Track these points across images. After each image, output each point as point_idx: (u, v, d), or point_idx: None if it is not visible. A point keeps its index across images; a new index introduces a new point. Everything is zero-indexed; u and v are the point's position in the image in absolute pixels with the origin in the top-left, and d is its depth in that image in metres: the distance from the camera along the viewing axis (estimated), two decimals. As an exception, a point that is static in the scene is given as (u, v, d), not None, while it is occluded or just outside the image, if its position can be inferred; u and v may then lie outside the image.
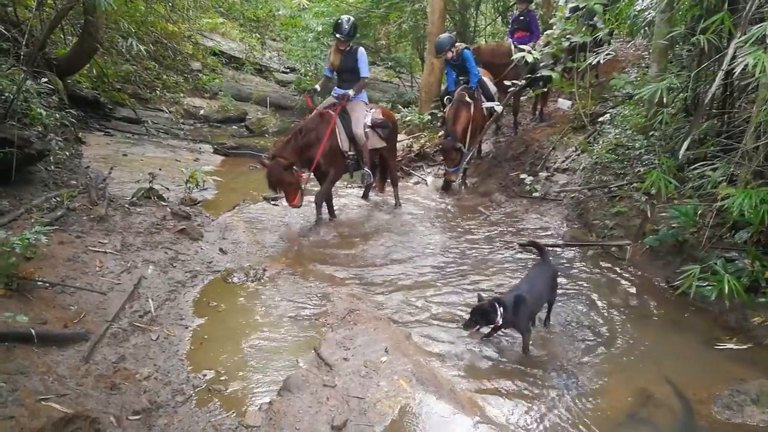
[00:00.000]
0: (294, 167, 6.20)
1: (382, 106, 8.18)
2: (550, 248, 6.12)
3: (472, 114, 7.82)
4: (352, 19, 6.78)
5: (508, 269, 5.68)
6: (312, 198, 6.76)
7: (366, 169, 7.03)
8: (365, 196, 7.92)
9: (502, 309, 3.91)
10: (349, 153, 6.82)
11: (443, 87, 9.59)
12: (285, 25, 15.86)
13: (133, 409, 3.15)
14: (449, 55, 7.84)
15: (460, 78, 8.08)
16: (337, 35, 6.65)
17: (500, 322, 3.94)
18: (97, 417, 2.86)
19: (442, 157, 8.53)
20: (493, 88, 8.29)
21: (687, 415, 3.51)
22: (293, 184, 6.23)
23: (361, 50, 6.85)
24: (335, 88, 7.06)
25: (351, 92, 6.71)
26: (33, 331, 3.39)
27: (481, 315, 3.93)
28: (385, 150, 7.33)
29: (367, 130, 6.87)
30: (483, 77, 8.14)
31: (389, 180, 7.78)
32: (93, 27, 8.72)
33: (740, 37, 4.08)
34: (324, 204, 6.78)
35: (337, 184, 7.43)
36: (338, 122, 6.70)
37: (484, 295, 4.21)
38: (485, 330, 4.12)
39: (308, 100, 7.10)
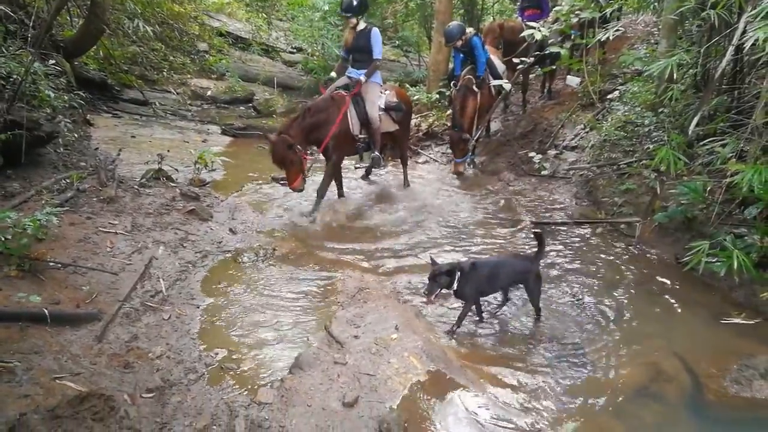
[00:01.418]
0: (298, 147, 6.10)
1: (397, 87, 8.08)
2: (560, 226, 6.14)
3: (479, 100, 7.76)
4: None
5: (514, 245, 5.69)
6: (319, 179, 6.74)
7: (376, 152, 6.96)
8: (366, 177, 7.91)
9: (459, 274, 3.90)
10: (360, 136, 6.77)
11: (451, 66, 9.51)
12: (291, 4, 15.73)
13: (146, 387, 3.19)
14: (458, 43, 7.74)
15: (467, 61, 7.97)
16: (342, 12, 6.62)
17: (456, 288, 3.94)
18: (111, 395, 2.90)
19: (449, 147, 8.47)
20: (501, 67, 8.22)
21: (696, 389, 3.54)
22: (295, 162, 6.12)
23: (375, 30, 6.73)
24: (349, 67, 6.97)
25: (363, 78, 6.65)
26: (46, 311, 3.44)
27: (440, 279, 3.90)
28: (398, 131, 7.27)
29: (380, 113, 6.81)
30: (491, 56, 8.06)
31: (399, 159, 7.75)
32: (99, 8, 8.72)
33: (751, 11, 4.03)
34: (328, 188, 6.69)
35: (347, 163, 7.41)
36: (351, 106, 6.63)
37: (438, 260, 4.09)
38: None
39: (322, 90, 6.86)
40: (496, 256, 4.46)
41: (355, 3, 6.50)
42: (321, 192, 6.52)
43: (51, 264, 4.06)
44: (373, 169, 7.82)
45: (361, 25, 6.70)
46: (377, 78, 6.93)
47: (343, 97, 6.59)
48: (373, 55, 6.70)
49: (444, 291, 4.03)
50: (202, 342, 3.85)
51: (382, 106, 6.85)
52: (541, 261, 4.40)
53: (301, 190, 6.38)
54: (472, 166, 8.47)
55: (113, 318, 3.79)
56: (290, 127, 6.19)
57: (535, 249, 4.22)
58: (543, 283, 4.35)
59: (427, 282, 3.97)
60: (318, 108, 6.39)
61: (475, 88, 7.69)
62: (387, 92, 7.05)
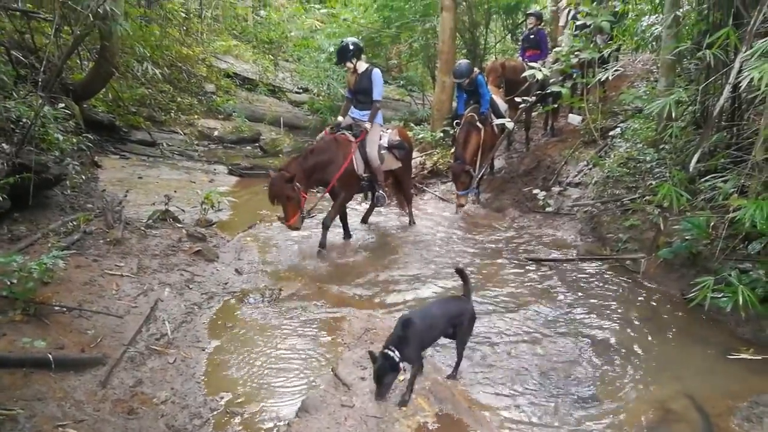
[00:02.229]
0: (297, 184, 6.09)
1: (399, 127, 8.22)
2: (565, 262, 6.13)
3: (482, 137, 7.87)
4: (348, 41, 6.76)
5: (521, 283, 5.68)
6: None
7: (380, 191, 7.01)
8: (365, 221, 7.80)
9: (397, 351, 3.41)
10: (364, 175, 6.83)
11: (454, 104, 9.65)
12: (297, 46, 16.04)
13: (150, 433, 3.18)
14: (465, 81, 7.88)
15: (471, 101, 8.13)
16: (339, 64, 6.94)
17: (399, 361, 3.40)
18: (114, 442, 2.89)
19: (452, 181, 8.54)
20: (503, 106, 8.36)
21: (707, 428, 3.47)
22: (293, 198, 6.09)
23: (376, 72, 6.78)
24: (352, 108, 7.02)
25: (368, 125, 6.73)
26: (50, 356, 3.44)
27: (388, 378, 3.41)
28: (400, 170, 7.37)
29: (383, 151, 6.90)
30: (493, 96, 8.19)
31: (403, 197, 7.80)
32: (109, 52, 8.92)
33: (746, 51, 4.10)
34: (334, 224, 6.74)
35: (353, 203, 7.46)
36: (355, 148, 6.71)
37: (375, 353, 3.48)
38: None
39: (326, 133, 6.90)
40: (429, 303, 4.09)
41: (350, 51, 6.63)
42: (327, 222, 6.56)
43: (56, 308, 4.08)
44: (375, 208, 7.77)
45: (362, 67, 6.77)
46: (379, 119, 7.01)
47: (349, 142, 6.66)
48: (374, 97, 6.76)
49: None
50: (208, 386, 3.83)
51: (385, 145, 6.93)
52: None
53: (298, 229, 6.34)
54: (477, 203, 8.51)
55: (118, 362, 3.78)
56: (290, 164, 6.27)
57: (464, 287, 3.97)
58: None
59: (376, 385, 3.46)
60: (321, 149, 6.49)
61: (478, 124, 7.78)
62: (389, 131, 7.16)
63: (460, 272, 4.06)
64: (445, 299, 4.18)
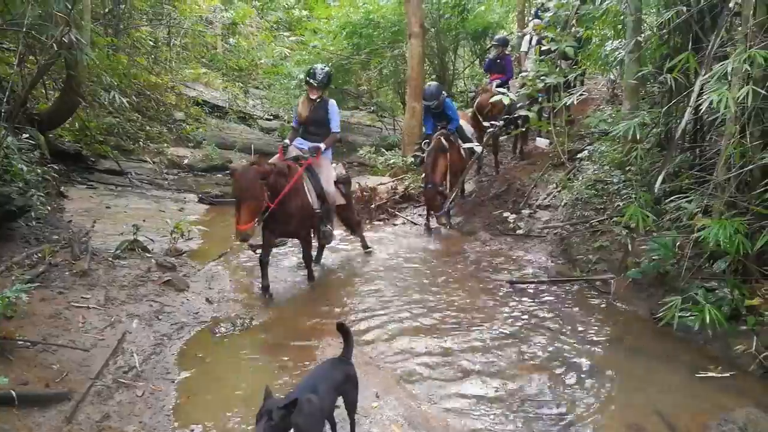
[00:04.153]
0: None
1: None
2: (536, 284, 6.18)
3: (450, 158, 7.98)
4: (327, 68, 6.57)
5: (492, 306, 5.70)
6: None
7: (327, 226, 6.45)
8: (317, 260, 7.06)
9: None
10: (317, 210, 6.26)
11: (423, 129, 9.76)
12: (267, 73, 16.11)
13: (117, 469, 3.09)
14: (434, 103, 8.02)
15: (438, 124, 8.26)
16: (310, 80, 6.28)
17: None
18: (80, 479, 2.80)
19: (425, 205, 8.59)
20: (469, 130, 8.50)
21: (679, 448, 3.51)
22: (258, 200, 5.42)
23: (333, 102, 6.51)
24: (299, 140, 6.55)
25: (322, 146, 6.29)
26: (13, 392, 3.34)
27: None
28: (347, 203, 7.05)
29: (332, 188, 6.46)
30: (461, 121, 8.35)
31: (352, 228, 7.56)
32: (75, 81, 8.80)
33: (705, 74, 4.23)
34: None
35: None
36: (306, 179, 6.19)
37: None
38: None
39: (280, 152, 6.37)
40: (306, 377, 3.35)
41: (324, 77, 6.39)
42: (308, 259, 6.41)
43: (20, 342, 3.96)
44: (326, 245, 7.09)
45: (315, 95, 6.39)
46: (329, 153, 6.63)
47: (297, 169, 6.10)
48: (332, 129, 6.46)
49: None
50: (177, 418, 3.74)
51: (335, 180, 6.60)
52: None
53: (248, 238, 5.53)
54: (448, 227, 8.56)
55: (84, 397, 3.67)
56: (262, 163, 5.73)
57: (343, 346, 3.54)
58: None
59: None
60: (281, 171, 5.86)
61: (445, 144, 7.92)
62: (335, 165, 6.88)
63: (342, 328, 3.62)
64: (326, 368, 3.45)
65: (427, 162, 8.00)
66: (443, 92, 8.17)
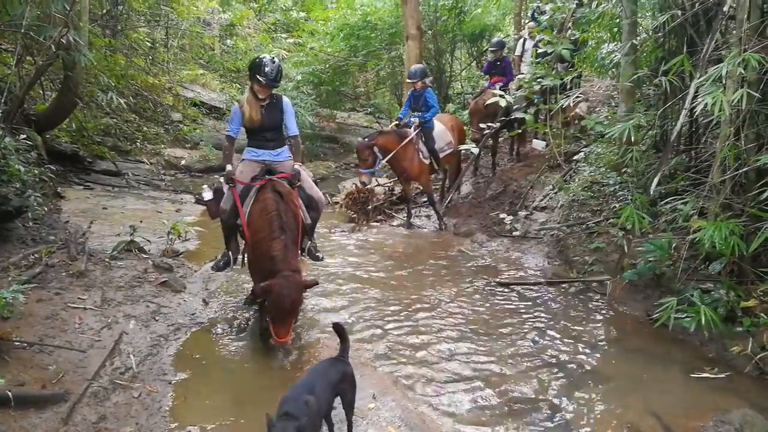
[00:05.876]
0: None
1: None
2: (533, 286, 6.19)
3: (399, 144, 8.15)
4: (277, 60, 5.10)
5: (489, 307, 5.71)
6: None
7: (311, 241, 5.59)
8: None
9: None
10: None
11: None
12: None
13: (113, 470, 3.09)
14: (418, 84, 8.22)
15: (414, 109, 8.47)
16: (259, 77, 4.92)
17: None
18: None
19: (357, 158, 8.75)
20: (445, 139, 8.64)
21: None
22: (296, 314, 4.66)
23: (287, 100, 5.32)
24: (252, 149, 5.34)
25: (297, 165, 5.27)
26: (10, 393, 3.33)
27: None
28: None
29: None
30: (443, 129, 8.58)
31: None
32: (72, 82, 8.80)
33: (700, 77, 4.25)
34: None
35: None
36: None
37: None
38: None
39: (234, 194, 5.09)
40: (304, 379, 3.36)
41: (275, 72, 5.00)
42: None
43: (16, 343, 3.96)
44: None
45: (264, 94, 5.11)
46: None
47: (291, 191, 5.09)
48: (289, 132, 5.34)
49: None
50: (174, 420, 3.75)
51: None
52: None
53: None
54: (444, 227, 8.57)
55: (80, 398, 3.67)
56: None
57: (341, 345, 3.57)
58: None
59: None
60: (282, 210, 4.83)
61: (410, 131, 8.20)
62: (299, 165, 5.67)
63: (337, 328, 3.65)
64: (323, 367, 3.51)
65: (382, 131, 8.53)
66: (427, 80, 8.39)
